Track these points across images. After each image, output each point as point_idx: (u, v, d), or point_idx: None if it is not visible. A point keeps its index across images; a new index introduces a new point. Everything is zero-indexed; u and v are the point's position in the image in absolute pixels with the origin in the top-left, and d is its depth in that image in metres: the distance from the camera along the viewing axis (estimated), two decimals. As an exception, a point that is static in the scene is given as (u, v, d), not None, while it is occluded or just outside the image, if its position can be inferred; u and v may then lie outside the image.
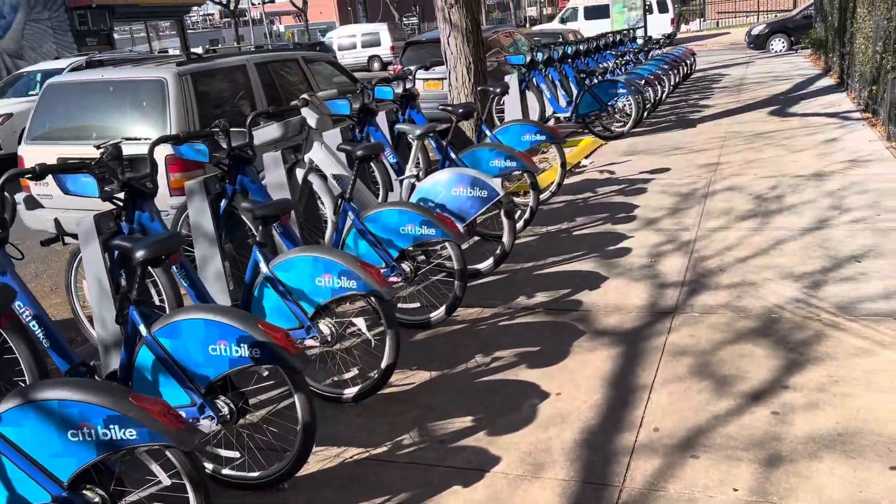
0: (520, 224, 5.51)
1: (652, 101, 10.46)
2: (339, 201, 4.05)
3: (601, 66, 11.38)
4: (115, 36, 22.13)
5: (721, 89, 12.94)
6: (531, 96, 9.70)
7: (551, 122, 10.18)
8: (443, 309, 4.09)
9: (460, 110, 5.37)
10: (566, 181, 7.07)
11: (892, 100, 7.15)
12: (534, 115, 9.81)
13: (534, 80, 9.52)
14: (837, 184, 5.92)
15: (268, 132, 4.69)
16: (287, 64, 6.73)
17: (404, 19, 54.51)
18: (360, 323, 3.23)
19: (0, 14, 18.12)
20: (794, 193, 5.80)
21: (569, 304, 4.25)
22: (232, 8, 44.88)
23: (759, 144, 7.79)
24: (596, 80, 9.68)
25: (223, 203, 4.17)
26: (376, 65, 31.15)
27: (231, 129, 4.36)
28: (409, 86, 6.12)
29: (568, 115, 9.32)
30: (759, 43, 20.81)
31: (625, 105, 9.35)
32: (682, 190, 6.28)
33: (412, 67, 6.62)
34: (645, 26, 16.13)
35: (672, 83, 12.52)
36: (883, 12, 7.71)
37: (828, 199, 5.53)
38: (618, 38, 13.65)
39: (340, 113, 5.46)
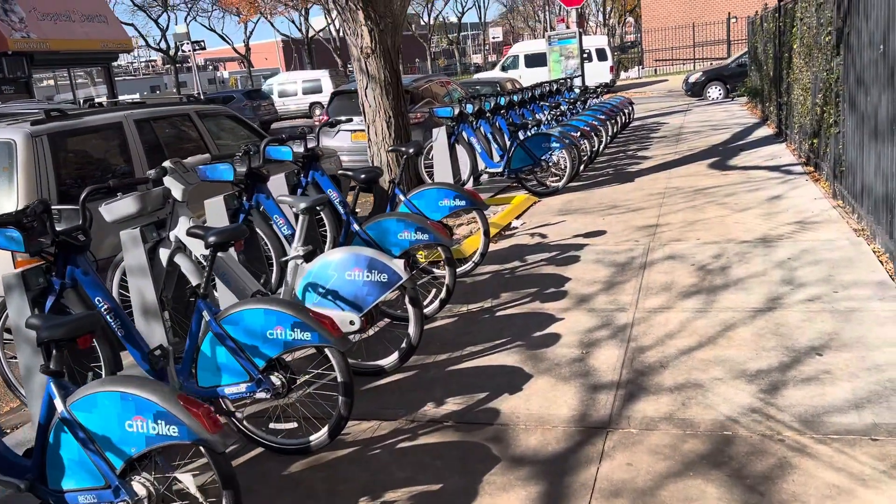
0: (435, 304, 4.76)
1: (588, 153, 9.94)
2: (192, 297, 3.23)
3: (536, 116, 10.87)
4: (38, 83, 20.95)
5: (659, 139, 12.56)
6: (462, 151, 9.07)
7: (484, 178, 9.56)
8: (325, 431, 3.27)
9: (362, 175, 4.62)
10: (494, 247, 6.37)
11: (836, 156, 6.69)
12: (465, 170, 9.17)
13: (463, 133, 8.89)
14: (787, 251, 5.33)
15: (121, 207, 3.86)
16: (176, 120, 5.92)
17: (348, 66, 54.25)
18: (188, 480, 2.40)
19: None
20: (740, 263, 5.18)
21: (484, 415, 3.47)
22: (172, 54, 43.97)
23: (699, 202, 7.24)
24: (529, 133, 9.10)
25: (50, 300, 3.33)
26: (318, 111, 30.52)
27: (63, 207, 3.52)
28: (311, 144, 5.36)
29: (500, 170, 8.69)
30: (696, 90, 20.81)
31: (559, 159, 8.78)
32: (619, 258, 5.62)
33: (312, 124, 5.86)
34: (582, 75, 15.82)
35: (610, 133, 12.08)
36: (822, 63, 7.32)
37: (778, 272, 4.92)
38: (554, 87, 13.24)
39: (222, 180, 4.67)
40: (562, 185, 8.58)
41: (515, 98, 10.64)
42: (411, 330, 3.94)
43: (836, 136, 6.70)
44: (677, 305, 4.54)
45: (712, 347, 3.90)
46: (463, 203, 5.30)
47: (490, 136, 9.29)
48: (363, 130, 10.81)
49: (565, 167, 8.61)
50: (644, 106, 19.71)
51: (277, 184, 5.30)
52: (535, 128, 9.40)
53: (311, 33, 47.64)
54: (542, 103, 11.70)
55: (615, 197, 7.98)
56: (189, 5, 43.80)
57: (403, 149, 5.42)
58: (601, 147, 11.18)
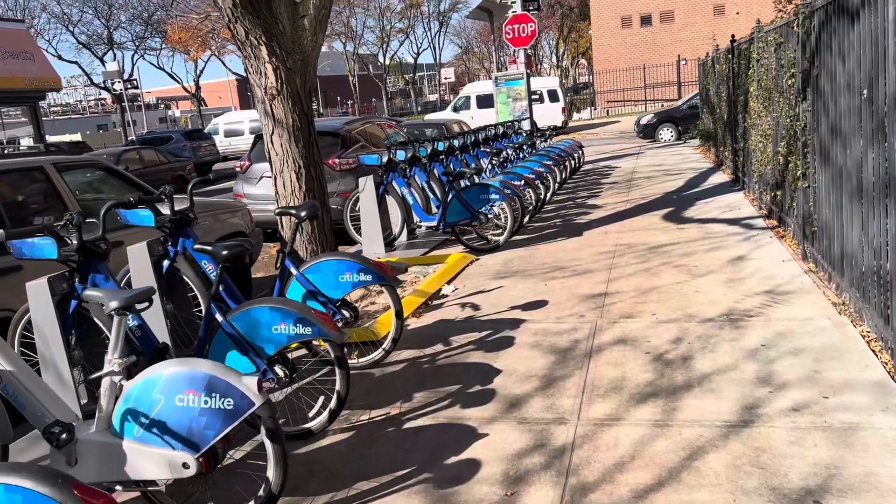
0: (323, 416, 3.69)
1: (534, 203, 9.03)
2: None
3: (480, 163, 9.98)
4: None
5: (611, 185, 11.77)
6: (393, 202, 8.10)
7: (422, 231, 8.57)
8: None
9: (224, 252, 3.56)
10: (417, 323, 5.34)
11: (805, 213, 5.86)
12: (397, 224, 8.18)
13: (394, 183, 7.92)
14: (759, 335, 4.40)
15: None
16: (23, 174, 4.80)
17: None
18: None
19: None
20: (705, 352, 4.23)
21: None
22: (118, 92, 42.55)
23: (654, 264, 6.33)
24: (467, 183, 8.17)
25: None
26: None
27: None
28: (181, 206, 4.30)
29: (435, 223, 7.71)
30: (647, 132, 20.31)
31: (500, 211, 7.85)
32: (561, 342, 4.64)
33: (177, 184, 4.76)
34: (531, 117, 15.07)
35: (558, 180, 11.26)
36: (784, 108, 6.55)
37: (752, 365, 3.97)
38: (500, 130, 12.40)
39: (40, 258, 3.59)
40: (503, 240, 7.63)
41: (455, 143, 9.74)
42: (270, 474, 2.86)
43: (804, 191, 5.89)
44: (630, 415, 3.55)
45: (676, 487, 2.90)
46: (368, 278, 4.28)
47: (426, 186, 8.33)
48: (289, 177, 9.77)
49: (507, 220, 7.67)
50: (595, 148, 19.09)
51: (140, 256, 4.23)
52: (476, 176, 8.50)
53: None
54: (485, 148, 10.85)
55: (561, 255, 7.04)
56: (136, 43, 42.53)
57: (294, 211, 4.38)
58: (548, 195, 10.32)
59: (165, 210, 4.30)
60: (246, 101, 67.36)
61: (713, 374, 3.91)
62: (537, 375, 4.13)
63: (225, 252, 3.52)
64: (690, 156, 15.03)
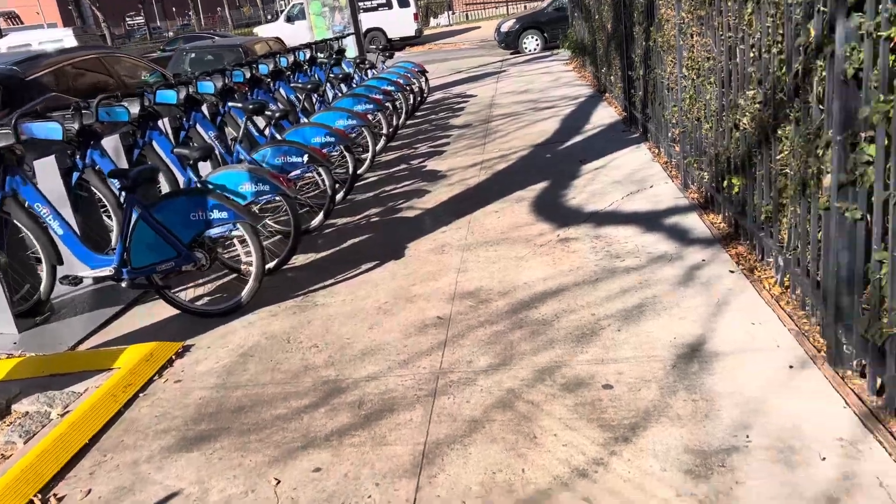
0: None
1: (330, 189, 5.28)
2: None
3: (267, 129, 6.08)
4: None
5: (461, 132, 8.21)
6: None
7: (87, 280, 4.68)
8: None
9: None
10: None
11: (840, 265, 2.58)
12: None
13: (16, 191, 3.97)
14: None
15: None
16: None
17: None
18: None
19: None
20: None
21: None
22: None
23: (521, 376, 2.90)
24: (193, 181, 4.39)
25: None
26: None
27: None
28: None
29: (111, 270, 3.88)
30: (510, 41, 16.78)
31: (243, 233, 4.12)
32: None
33: None
34: (357, 34, 11.08)
35: (386, 130, 7.55)
36: (776, 14, 3.15)
37: None
38: (306, 56, 8.43)
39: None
40: (245, 296, 3.92)
41: (209, 87, 5.72)
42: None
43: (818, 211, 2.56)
44: None
45: None
46: None
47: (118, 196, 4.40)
48: None
49: (251, 261, 3.96)
50: (451, 64, 15.40)
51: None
52: (201, 160, 4.67)
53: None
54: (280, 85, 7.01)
55: (348, 336, 3.45)
56: None
57: None
58: (365, 164, 6.67)
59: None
60: (68, 15, 57.17)
61: None
62: None
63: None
64: (562, 75, 11.66)
